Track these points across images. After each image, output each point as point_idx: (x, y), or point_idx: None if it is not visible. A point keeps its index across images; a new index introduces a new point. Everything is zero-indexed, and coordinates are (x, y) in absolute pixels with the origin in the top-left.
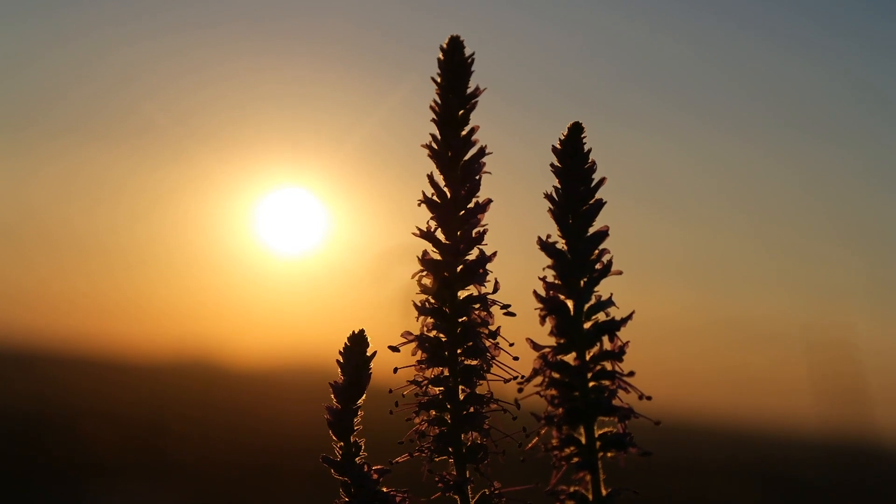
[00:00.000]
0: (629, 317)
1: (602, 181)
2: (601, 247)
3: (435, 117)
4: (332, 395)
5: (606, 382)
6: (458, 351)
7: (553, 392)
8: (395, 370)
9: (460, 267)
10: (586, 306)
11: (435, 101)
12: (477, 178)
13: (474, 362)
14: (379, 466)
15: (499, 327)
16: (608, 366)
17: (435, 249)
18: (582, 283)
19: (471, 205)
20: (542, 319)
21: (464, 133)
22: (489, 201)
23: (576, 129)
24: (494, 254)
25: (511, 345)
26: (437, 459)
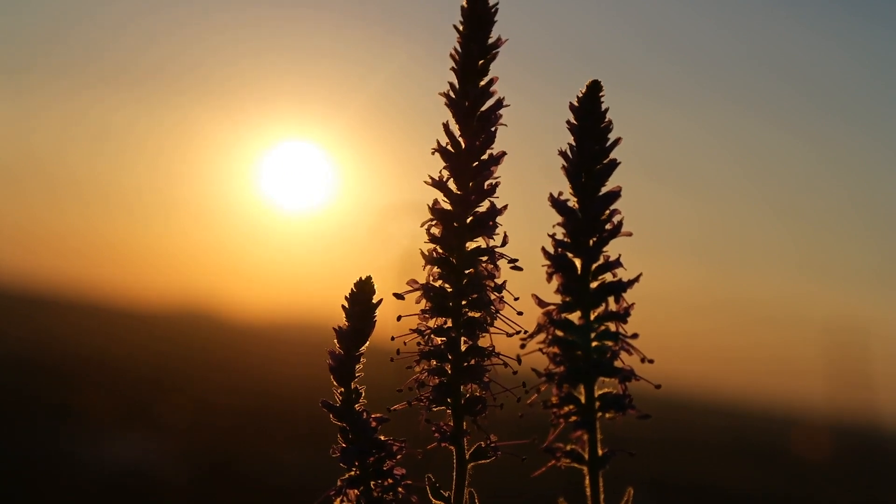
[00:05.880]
0: (636, 279)
1: (617, 141)
2: (612, 207)
3: (454, 66)
4: (336, 341)
5: (609, 343)
6: (463, 302)
7: (555, 350)
8: (399, 318)
9: (470, 218)
10: (594, 266)
11: (455, 50)
12: (493, 129)
13: (478, 315)
14: (378, 415)
15: (505, 281)
16: (612, 327)
17: (446, 199)
18: (591, 242)
19: (485, 156)
20: (549, 277)
21: (482, 83)
22: (503, 154)
23: (594, 88)
24: (505, 207)
25: (516, 299)
26: (435, 409)
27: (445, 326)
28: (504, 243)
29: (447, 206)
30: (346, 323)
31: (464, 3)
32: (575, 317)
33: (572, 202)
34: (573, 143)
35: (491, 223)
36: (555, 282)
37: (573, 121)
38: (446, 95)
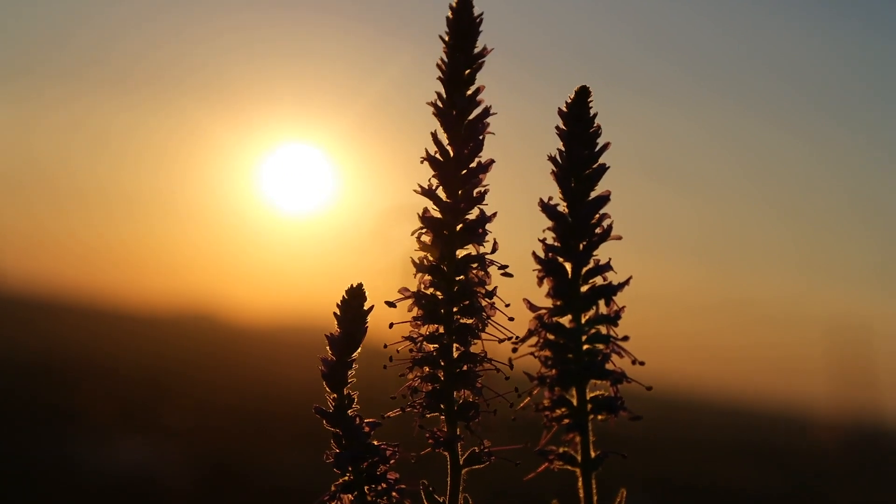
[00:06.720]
0: (626, 282)
1: (606, 146)
2: (602, 211)
3: (441, 75)
4: (328, 347)
5: (601, 346)
6: (454, 309)
7: (547, 353)
8: (391, 325)
9: (460, 226)
10: (584, 269)
11: (442, 60)
12: (481, 137)
13: (470, 321)
14: (371, 420)
15: (495, 287)
16: (603, 329)
17: (435, 207)
18: (581, 246)
19: (473, 164)
20: (540, 281)
21: (469, 92)
22: (492, 161)
23: (582, 93)
24: (494, 214)
25: (507, 305)
26: (428, 416)
27: (437, 333)
28: (494, 250)
29: (437, 215)
30: (338, 329)
31: (449, 14)
32: (566, 320)
33: (562, 207)
34: (562, 149)
35: (480, 230)
36: (546, 286)
37: (562, 126)
38: (434, 105)
